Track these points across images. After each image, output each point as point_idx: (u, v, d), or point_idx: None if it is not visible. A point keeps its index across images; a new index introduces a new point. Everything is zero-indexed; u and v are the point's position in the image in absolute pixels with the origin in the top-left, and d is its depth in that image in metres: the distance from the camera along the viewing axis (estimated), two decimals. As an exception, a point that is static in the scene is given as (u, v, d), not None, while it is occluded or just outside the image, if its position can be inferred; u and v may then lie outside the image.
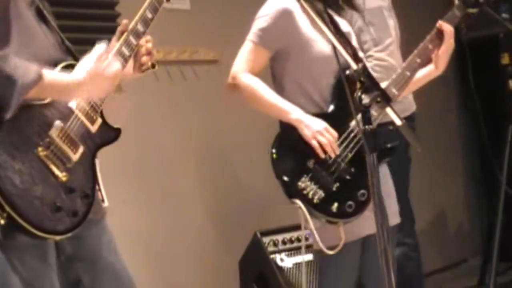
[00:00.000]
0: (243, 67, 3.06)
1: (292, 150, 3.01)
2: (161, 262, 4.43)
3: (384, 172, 3.19)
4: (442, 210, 6.04)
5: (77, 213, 2.36)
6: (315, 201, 2.96)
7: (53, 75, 2.31)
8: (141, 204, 4.38)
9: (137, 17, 2.61)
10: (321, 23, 2.48)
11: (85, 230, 2.46)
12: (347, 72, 2.97)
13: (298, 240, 4.19)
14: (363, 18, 4.04)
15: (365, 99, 2.25)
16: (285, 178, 2.96)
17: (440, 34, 3.19)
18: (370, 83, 2.27)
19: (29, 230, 2.24)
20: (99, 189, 2.65)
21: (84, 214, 2.38)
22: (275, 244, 4.25)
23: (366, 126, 2.29)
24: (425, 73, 3.24)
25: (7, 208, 2.19)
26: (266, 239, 4.25)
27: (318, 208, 2.97)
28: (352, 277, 3.15)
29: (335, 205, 2.99)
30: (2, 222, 2.20)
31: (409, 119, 3.87)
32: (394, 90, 3.09)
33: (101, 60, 2.38)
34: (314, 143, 2.94)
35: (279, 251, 4.22)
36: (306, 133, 2.96)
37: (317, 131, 2.95)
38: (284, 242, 4.25)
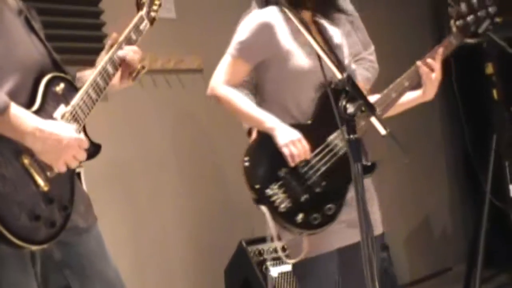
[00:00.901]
0: (221, 79, 3.09)
1: (265, 158, 3.04)
2: (146, 269, 4.42)
3: (366, 182, 3.20)
4: (426, 219, 6.05)
5: (54, 224, 2.32)
6: (280, 209, 2.97)
7: (18, 113, 2.23)
8: (125, 211, 4.38)
9: (122, 37, 2.61)
10: (306, 34, 2.45)
11: (75, 237, 2.45)
12: (332, 84, 2.97)
13: (284, 249, 4.20)
14: (351, 22, 4.05)
15: (350, 108, 2.25)
16: (254, 184, 2.99)
17: (434, 58, 3.20)
18: (355, 92, 2.26)
19: (7, 237, 2.20)
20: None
21: (61, 226, 2.34)
22: (261, 253, 4.25)
23: (351, 136, 2.27)
24: (412, 98, 3.26)
25: None
26: (251, 248, 4.25)
27: (283, 217, 2.98)
28: (330, 286, 3.16)
29: (300, 215, 3.00)
30: None
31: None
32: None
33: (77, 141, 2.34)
34: (285, 151, 2.96)
35: (265, 260, 4.21)
36: (279, 141, 2.97)
37: (291, 141, 2.97)
38: (269, 252, 4.24)
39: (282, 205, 2.98)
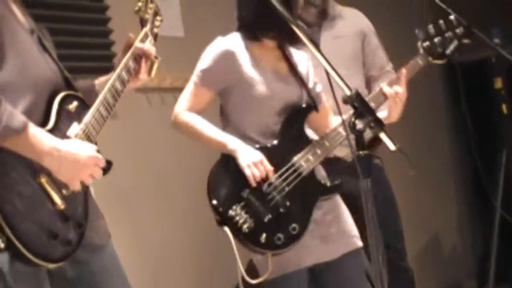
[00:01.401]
0: (184, 106, 3.18)
1: (227, 179, 3.09)
2: (158, 281, 4.43)
3: (336, 199, 3.25)
4: (435, 235, 6.04)
5: (70, 242, 2.32)
6: (244, 230, 3.00)
7: (36, 133, 2.25)
8: (135, 228, 4.38)
9: (129, 54, 2.65)
10: (312, 48, 2.44)
11: (89, 254, 2.45)
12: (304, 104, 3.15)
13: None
14: (362, 41, 4.06)
15: (359, 125, 2.25)
16: (216, 205, 3.03)
17: (399, 80, 3.22)
18: (364, 109, 2.24)
19: (25, 255, 2.20)
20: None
21: (77, 244, 2.35)
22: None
23: (360, 152, 2.26)
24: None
25: (7, 231, 2.15)
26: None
27: (247, 237, 3.01)
28: None
29: (264, 236, 3.03)
30: (3, 245, 2.16)
31: None
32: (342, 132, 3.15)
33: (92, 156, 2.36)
34: (247, 171, 3.00)
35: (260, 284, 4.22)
36: (241, 162, 3.03)
37: (253, 162, 3.02)
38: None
39: (245, 226, 3.01)
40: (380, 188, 3.74)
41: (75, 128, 2.40)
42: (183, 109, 3.17)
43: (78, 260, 2.40)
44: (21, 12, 2.47)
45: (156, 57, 2.70)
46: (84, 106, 2.47)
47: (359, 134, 2.26)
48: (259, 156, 3.04)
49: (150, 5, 2.80)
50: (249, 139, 3.12)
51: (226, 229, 3.00)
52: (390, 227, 4.17)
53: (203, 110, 3.18)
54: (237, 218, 3.01)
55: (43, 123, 2.33)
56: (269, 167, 3.03)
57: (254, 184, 3.01)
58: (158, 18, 2.83)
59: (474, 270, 5.69)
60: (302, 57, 3.28)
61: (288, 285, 3.10)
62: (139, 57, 2.66)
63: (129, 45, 2.67)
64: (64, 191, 2.31)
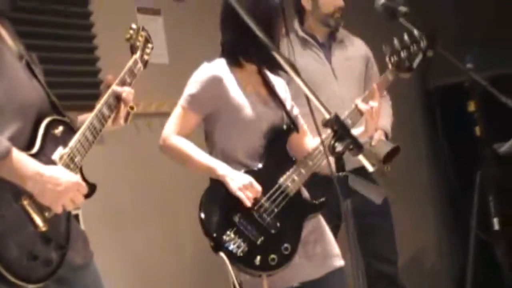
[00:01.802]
0: (172, 130, 3.15)
1: (218, 205, 3.07)
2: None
3: (318, 218, 3.26)
4: (415, 254, 6.02)
5: (51, 263, 2.32)
6: (238, 254, 3.00)
7: (20, 157, 2.24)
8: (124, 250, 4.39)
9: (117, 80, 2.65)
10: (294, 75, 2.48)
11: (71, 273, 2.44)
12: (284, 126, 3.19)
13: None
14: (365, 65, 4.22)
15: (338, 147, 2.26)
16: (211, 232, 3.01)
17: (373, 96, 3.26)
18: (343, 132, 2.27)
19: (6, 277, 2.20)
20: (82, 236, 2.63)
21: (58, 264, 2.34)
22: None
23: (340, 173, 2.29)
24: (358, 134, 3.25)
25: None
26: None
27: (242, 261, 3.01)
28: None
29: (258, 258, 3.03)
30: None
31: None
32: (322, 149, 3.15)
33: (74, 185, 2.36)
34: (240, 194, 3.00)
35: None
36: (232, 186, 3.02)
37: (243, 185, 3.01)
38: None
39: (239, 250, 3.01)
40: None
41: (60, 152, 2.39)
42: (172, 132, 3.14)
43: (61, 279, 2.38)
44: (10, 37, 2.47)
45: (132, 107, 2.68)
46: (70, 130, 2.46)
47: (338, 156, 2.29)
48: (248, 178, 3.04)
49: (142, 33, 2.80)
50: (237, 162, 3.12)
51: (222, 254, 2.97)
52: (385, 240, 4.24)
53: (190, 134, 3.16)
54: (231, 243, 3.00)
55: (28, 147, 2.32)
56: (259, 189, 3.04)
57: (249, 205, 3.01)
58: (149, 45, 2.83)
59: (454, 283, 5.73)
60: (279, 82, 3.31)
61: None
62: (114, 108, 2.63)
63: (108, 83, 2.65)
64: (46, 214, 2.30)
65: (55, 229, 2.35)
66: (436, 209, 6.35)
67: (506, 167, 4.39)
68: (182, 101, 3.17)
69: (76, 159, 2.44)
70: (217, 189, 3.06)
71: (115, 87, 2.62)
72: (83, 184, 2.40)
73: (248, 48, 3.08)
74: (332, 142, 2.29)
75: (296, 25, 4.16)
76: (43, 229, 2.29)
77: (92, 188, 2.48)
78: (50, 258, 2.31)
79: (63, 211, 2.34)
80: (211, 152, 3.19)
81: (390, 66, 3.35)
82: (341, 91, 3.88)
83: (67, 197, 2.33)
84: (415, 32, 3.37)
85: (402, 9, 3.89)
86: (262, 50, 2.64)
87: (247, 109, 3.12)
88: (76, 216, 4.08)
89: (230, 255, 2.98)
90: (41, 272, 2.29)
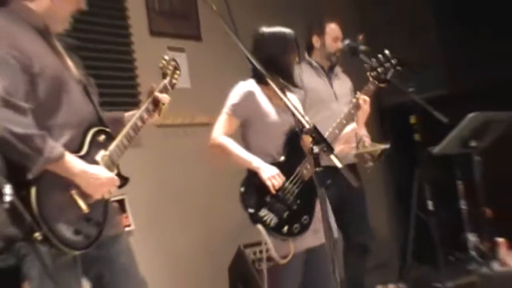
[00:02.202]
0: (220, 132, 3.13)
1: (255, 190, 3.05)
2: (175, 267, 4.40)
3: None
4: (373, 230, 6.01)
5: (91, 236, 2.32)
6: (271, 225, 3.00)
7: (70, 159, 2.25)
8: (161, 225, 4.34)
9: (149, 100, 2.63)
10: (283, 97, 2.47)
11: (108, 241, 2.43)
12: (297, 129, 3.11)
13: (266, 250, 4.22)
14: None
15: (316, 149, 2.24)
16: (250, 210, 3.01)
17: (359, 104, 3.26)
18: (319, 138, 2.25)
19: (59, 247, 2.21)
20: (127, 216, 2.63)
21: (96, 237, 2.33)
22: (254, 253, 4.22)
23: (317, 168, 2.27)
24: (350, 130, 3.25)
25: (44, 228, 2.15)
26: (247, 250, 4.24)
27: (274, 230, 3.01)
28: (297, 278, 3.14)
29: (286, 227, 3.03)
30: (40, 238, 2.15)
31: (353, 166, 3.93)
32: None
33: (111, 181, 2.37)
34: (268, 183, 2.98)
35: (257, 259, 4.19)
36: (263, 176, 3.00)
37: (271, 175, 3.00)
38: (260, 252, 4.23)
39: (272, 222, 3.00)
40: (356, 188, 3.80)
41: (101, 154, 2.39)
42: (220, 134, 3.12)
43: (99, 246, 2.37)
44: (75, 66, 2.45)
45: (163, 104, 2.64)
46: (110, 137, 2.44)
47: (315, 156, 2.27)
48: (275, 170, 3.02)
49: (172, 63, 2.76)
50: (266, 155, 3.10)
51: (259, 226, 2.99)
52: (361, 216, 4.18)
53: (233, 134, 3.15)
54: (265, 217, 3.00)
55: (78, 150, 2.33)
56: (283, 177, 3.03)
57: (274, 191, 3.00)
58: (178, 72, 2.78)
59: (398, 252, 5.70)
60: (293, 97, 3.28)
61: (295, 261, 3.07)
62: (156, 102, 2.62)
63: (151, 92, 2.64)
64: (89, 200, 2.30)
65: (95, 211, 2.33)
66: (387, 196, 6.33)
67: (437, 164, 4.39)
68: (226, 109, 3.15)
69: (114, 159, 2.42)
70: (253, 178, 3.05)
71: (156, 93, 2.62)
72: (116, 178, 2.39)
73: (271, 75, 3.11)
74: (311, 145, 2.27)
75: (307, 56, 4.15)
76: (86, 211, 2.28)
77: (125, 181, 2.47)
78: (90, 233, 2.31)
79: (102, 198, 2.35)
80: (246, 148, 3.16)
81: (371, 79, 3.34)
82: (340, 108, 3.84)
83: (104, 188, 2.33)
84: (387, 53, 3.38)
85: (362, 47, 3.90)
86: (280, 75, 2.94)
87: (273, 116, 3.12)
88: (122, 200, 4.07)
89: (265, 226, 2.99)
90: (83, 243, 2.28)
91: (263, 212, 3.01)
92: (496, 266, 4.37)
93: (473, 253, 4.52)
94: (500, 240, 4.55)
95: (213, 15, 2.26)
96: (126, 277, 2.50)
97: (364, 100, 3.26)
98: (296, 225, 3.05)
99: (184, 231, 4.47)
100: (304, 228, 3.07)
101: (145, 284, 2.58)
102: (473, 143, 4.12)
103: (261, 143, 3.14)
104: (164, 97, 2.63)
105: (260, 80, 3.15)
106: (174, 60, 2.78)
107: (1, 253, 2.30)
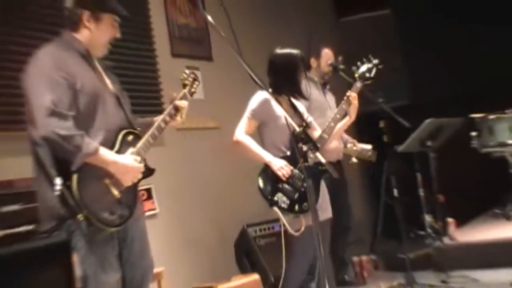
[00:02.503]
0: (242, 131, 3.13)
1: (269, 179, 3.04)
2: (191, 243, 4.35)
3: (323, 184, 3.19)
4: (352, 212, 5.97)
5: (124, 216, 2.33)
6: (285, 206, 2.99)
7: (104, 152, 2.29)
8: (180, 209, 4.29)
9: (170, 107, 2.62)
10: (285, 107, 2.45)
11: (134, 221, 2.42)
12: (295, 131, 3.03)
13: (269, 229, 4.21)
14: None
15: (304, 148, 2.22)
16: (267, 196, 3.01)
17: (349, 99, 3.19)
18: (307, 139, 2.23)
19: (96, 224, 2.22)
20: (153, 202, 2.61)
21: (127, 217, 2.35)
22: (255, 231, 4.19)
23: (305, 163, 2.24)
24: (343, 123, 3.22)
25: (85, 211, 2.18)
26: (250, 229, 4.21)
27: (287, 210, 3.00)
28: (311, 244, 2.95)
29: (296, 206, 3.01)
30: (81, 218, 2.18)
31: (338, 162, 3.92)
32: (325, 135, 3.10)
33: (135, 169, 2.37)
34: (278, 173, 2.98)
35: (258, 236, 4.16)
36: (274, 168, 3.00)
37: (280, 167, 2.99)
38: (260, 230, 4.21)
39: (284, 204, 2.99)
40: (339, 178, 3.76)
41: (130, 151, 2.40)
42: (242, 132, 3.12)
43: (129, 224, 2.38)
44: (110, 81, 2.48)
45: (183, 108, 2.62)
46: (138, 137, 2.45)
47: (304, 154, 2.24)
48: (283, 162, 3.03)
49: (192, 75, 2.74)
50: (278, 149, 3.11)
51: (275, 208, 2.99)
52: (343, 202, 4.15)
53: (251, 133, 3.16)
54: (280, 201, 2.99)
55: (111, 148, 2.35)
56: (290, 167, 3.02)
57: (284, 179, 2.99)
58: (196, 83, 2.74)
59: (370, 230, 5.65)
60: (299, 104, 3.28)
61: (307, 231, 3.00)
62: (176, 107, 2.60)
63: (172, 100, 2.63)
64: (120, 187, 2.31)
65: (126, 196, 2.35)
66: (362, 186, 6.30)
67: (401, 160, 4.33)
68: (247, 113, 3.15)
69: (141, 154, 2.43)
70: (266, 170, 3.05)
71: (176, 101, 2.61)
72: (141, 166, 2.39)
73: (283, 87, 3.15)
74: (300, 145, 2.24)
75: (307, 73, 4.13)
76: (118, 196, 2.30)
77: (151, 171, 2.47)
78: (123, 214, 2.32)
79: (131, 183, 2.35)
80: (262, 143, 3.17)
81: (357, 77, 3.27)
82: (331, 115, 3.82)
83: (132, 176, 2.35)
84: (370, 56, 3.32)
85: (341, 66, 3.87)
86: (291, 89, 2.96)
87: (283, 119, 3.08)
88: (149, 189, 4.04)
89: (280, 208, 2.99)
90: (117, 221, 2.30)
91: (277, 197, 2.99)
92: (446, 240, 4.37)
93: (429, 230, 4.53)
94: (450, 220, 4.55)
95: (222, 40, 2.26)
96: (140, 257, 2.48)
97: (354, 96, 3.20)
98: (305, 204, 3.01)
99: (198, 214, 4.43)
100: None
101: (152, 265, 2.55)
102: (429, 143, 4.11)
103: (273, 140, 3.13)
104: (183, 103, 2.61)
105: (277, 92, 3.16)
106: (194, 73, 2.76)
107: (55, 230, 2.31)
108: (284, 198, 3.00)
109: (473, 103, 4.14)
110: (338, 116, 3.16)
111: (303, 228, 2.98)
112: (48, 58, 2.28)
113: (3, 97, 3.21)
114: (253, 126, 3.15)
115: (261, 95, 3.15)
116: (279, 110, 3.10)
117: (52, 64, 2.26)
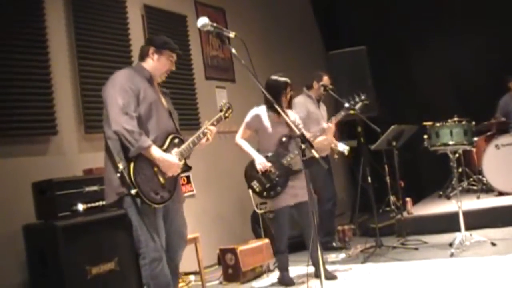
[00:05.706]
0: (240, 135, 3.18)
1: (252, 170, 3.08)
2: (219, 216, 4.30)
3: (301, 175, 3.13)
4: (337, 193, 5.87)
5: (165, 197, 2.31)
6: (257, 191, 3.06)
7: (154, 149, 2.27)
8: (211, 191, 4.25)
9: (208, 124, 2.55)
10: (284, 116, 2.39)
11: (172, 203, 2.37)
12: (285, 138, 3.09)
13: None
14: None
15: (303, 146, 2.17)
16: (248, 181, 3.07)
17: (332, 124, 3.24)
18: (304, 140, 2.18)
19: (144, 200, 2.21)
20: (191, 186, 2.57)
21: (168, 198, 2.32)
22: (265, 208, 4.17)
23: (303, 157, 2.19)
24: (322, 139, 3.26)
25: (137, 189, 2.18)
26: (261, 206, 4.16)
27: (258, 194, 3.06)
28: (287, 222, 3.11)
29: (265, 193, 3.06)
30: (134, 193, 2.18)
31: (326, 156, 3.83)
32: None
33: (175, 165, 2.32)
34: (258, 167, 3.05)
35: (267, 211, 4.15)
36: (256, 163, 3.06)
37: (259, 163, 3.06)
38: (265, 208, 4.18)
39: (258, 189, 3.05)
40: (327, 169, 3.69)
41: (175, 151, 2.36)
42: (239, 137, 3.18)
43: (169, 205, 2.34)
44: (165, 100, 2.47)
45: (207, 139, 2.50)
46: (182, 141, 2.43)
47: (303, 150, 2.19)
48: (263, 159, 3.05)
49: (227, 105, 2.69)
50: (268, 151, 3.12)
51: (250, 191, 3.08)
52: (331, 185, 4.06)
53: (248, 138, 3.19)
54: (255, 186, 3.05)
55: (161, 146, 2.32)
56: (268, 164, 3.05)
57: (260, 172, 3.04)
58: (230, 111, 2.67)
59: (350, 207, 5.58)
60: (291, 114, 3.23)
61: (283, 211, 3.07)
62: (203, 136, 2.49)
63: (212, 124, 2.54)
64: (165, 175, 2.29)
65: (169, 183, 2.33)
66: (345, 174, 6.24)
67: (373, 155, 4.29)
68: (243, 124, 3.19)
69: (183, 154, 2.40)
70: (252, 164, 3.09)
71: (208, 126, 2.55)
72: (180, 164, 2.36)
73: (271, 103, 3.06)
74: (300, 143, 2.20)
75: (308, 91, 4.02)
76: (162, 182, 2.29)
77: (189, 168, 2.44)
78: (163, 195, 2.30)
79: (172, 175, 2.32)
80: (258, 146, 3.17)
81: (344, 108, 3.24)
82: (323, 125, 3.77)
83: (173, 169, 2.32)
84: (359, 93, 3.31)
85: (330, 86, 3.79)
86: (277, 103, 2.76)
87: (270, 129, 3.12)
88: (189, 176, 4.02)
89: (254, 191, 3.05)
90: (160, 200, 2.28)
91: (253, 183, 3.06)
92: (405, 214, 4.33)
93: (392, 207, 4.57)
94: (408, 199, 4.53)
95: (242, 67, 2.22)
96: (178, 235, 2.44)
97: (331, 126, 3.25)
98: (272, 192, 3.05)
99: (224, 194, 4.41)
100: (277, 194, 3.05)
101: (186, 238, 2.47)
102: (393, 143, 4.05)
103: (263, 143, 3.16)
104: (212, 129, 2.52)
105: (269, 107, 3.15)
106: (229, 103, 2.71)
107: (116, 205, 2.30)
108: (257, 184, 3.04)
109: (425, 114, 4.10)
110: (318, 134, 3.22)
111: (280, 206, 3.03)
112: (121, 75, 2.33)
113: (91, 105, 3.24)
114: (247, 133, 3.18)
115: (254, 111, 3.20)
116: (267, 123, 3.11)
117: (124, 79, 2.30)
